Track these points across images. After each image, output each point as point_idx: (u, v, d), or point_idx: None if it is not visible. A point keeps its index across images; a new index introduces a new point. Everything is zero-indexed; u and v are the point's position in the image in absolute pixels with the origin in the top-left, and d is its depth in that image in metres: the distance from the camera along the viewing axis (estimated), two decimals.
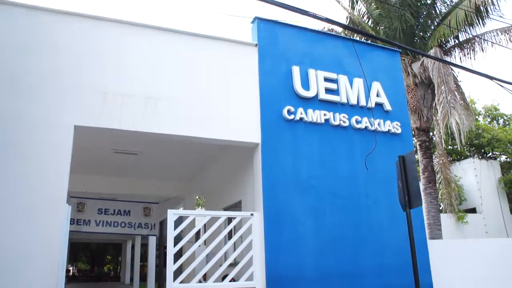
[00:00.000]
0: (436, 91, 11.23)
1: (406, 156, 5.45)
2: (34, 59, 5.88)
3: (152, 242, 19.80)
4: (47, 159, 5.59)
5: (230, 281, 6.34)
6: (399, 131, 7.88)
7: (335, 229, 6.83)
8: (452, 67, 11.88)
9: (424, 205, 11.85)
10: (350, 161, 7.31)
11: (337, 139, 7.29)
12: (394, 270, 7.06)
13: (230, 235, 7.30)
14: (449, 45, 13.63)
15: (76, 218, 12.37)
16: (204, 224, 6.81)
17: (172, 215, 6.11)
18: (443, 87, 10.86)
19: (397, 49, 8.79)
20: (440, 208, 15.95)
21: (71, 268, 44.15)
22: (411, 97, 12.53)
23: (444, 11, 13.43)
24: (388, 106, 7.90)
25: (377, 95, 7.88)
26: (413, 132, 12.25)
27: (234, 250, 6.77)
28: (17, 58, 5.81)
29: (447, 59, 12.88)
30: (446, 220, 16.91)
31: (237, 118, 6.74)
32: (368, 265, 6.94)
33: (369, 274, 6.90)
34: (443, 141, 13.62)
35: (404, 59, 12.32)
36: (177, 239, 6.12)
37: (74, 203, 11.74)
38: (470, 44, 13.11)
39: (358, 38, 12.08)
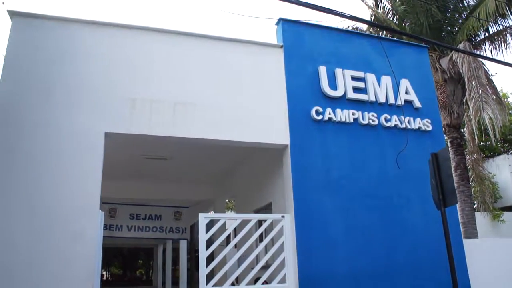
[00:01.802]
0: (466, 86, 10.95)
1: (439, 153, 5.32)
2: (65, 69, 6.02)
3: (183, 246, 19.98)
4: (80, 166, 5.70)
5: (263, 283, 6.32)
6: (430, 128, 7.72)
7: (367, 229, 6.73)
8: (483, 61, 11.57)
9: (457, 204, 11.56)
10: (380, 160, 7.20)
11: (366, 138, 7.20)
12: (429, 270, 6.92)
13: (261, 238, 7.28)
14: (478, 39, 13.26)
15: (109, 223, 12.58)
16: (235, 228, 6.82)
17: (203, 218, 6.14)
18: (473, 81, 10.58)
19: (425, 45, 8.62)
20: (474, 206, 15.54)
21: (104, 273, 44.95)
22: (441, 94, 12.25)
23: (473, 3, 13.05)
24: (417, 103, 7.75)
25: (406, 93, 7.75)
26: (443, 129, 11.97)
27: (266, 252, 6.75)
28: (50, 69, 5.97)
29: (477, 53, 12.54)
30: (481, 219, 16.39)
31: (265, 120, 6.73)
32: (401, 265, 6.81)
33: (403, 274, 6.77)
34: (476, 137, 13.28)
35: (432, 55, 12.05)
36: (208, 243, 6.14)
37: (106, 209, 11.94)
38: (501, 37, 12.70)
39: (384, 36, 11.91)
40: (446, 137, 12.50)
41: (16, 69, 5.87)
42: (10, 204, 5.32)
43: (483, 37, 13.18)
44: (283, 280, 6.23)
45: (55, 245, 5.34)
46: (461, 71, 11.20)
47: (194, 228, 18.58)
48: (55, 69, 5.98)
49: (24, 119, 5.66)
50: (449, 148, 12.47)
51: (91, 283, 5.35)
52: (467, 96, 11.13)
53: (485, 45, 13.17)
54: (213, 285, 6.05)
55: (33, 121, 5.68)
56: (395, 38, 10.45)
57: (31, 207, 5.37)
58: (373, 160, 7.15)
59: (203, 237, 6.05)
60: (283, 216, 6.45)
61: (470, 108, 10.87)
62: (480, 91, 10.39)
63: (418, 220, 7.17)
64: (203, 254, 5.97)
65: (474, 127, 11.36)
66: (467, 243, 7.56)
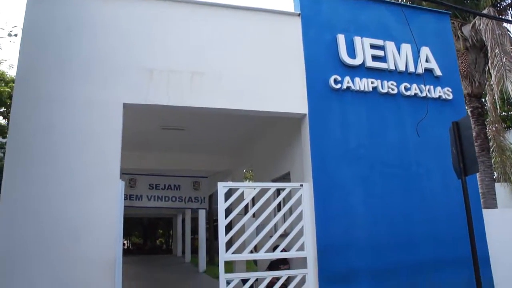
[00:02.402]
0: (489, 54, 10.67)
1: (461, 121, 5.24)
2: (81, 41, 6.03)
3: (202, 215, 20.37)
4: (100, 137, 5.77)
5: (281, 251, 6.41)
6: (451, 97, 7.58)
7: (385, 198, 6.73)
8: (508, 28, 11.21)
9: (477, 174, 11.44)
10: (399, 129, 7.13)
11: (385, 107, 7.11)
12: (447, 240, 6.91)
13: (279, 207, 7.35)
14: (504, 4, 12.82)
15: (129, 193, 12.83)
16: (253, 197, 6.89)
17: (222, 187, 6.21)
18: (497, 49, 10.30)
19: (446, 11, 8.37)
20: (494, 177, 15.35)
21: (125, 242, 46.11)
22: (462, 62, 11.97)
23: None
24: (438, 72, 7.60)
25: (427, 61, 7.59)
26: (464, 99, 11.76)
27: (284, 221, 6.83)
28: (66, 41, 5.98)
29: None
30: (501, 190, 16.23)
31: (283, 89, 6.68)
32: (420, 235, 6.82)
33: (422, 243, 6.79)
34: (497, 107, 13.01)
35: (453, 22, 11.72)
36: (227, 212, 6.23)
37: (126, 179, 12.14)
38: None
39: (404, 3, 11.59)
40: (466, 107, 12.28)
41: (34, 42, 5.90)
42: (31, 175, 5.44)
43: (509, 1, 12.74)
44: (301, 248, 6.31)
45: (78, 214, 5.48)
46: (484, 38, 10.90)
47: (212, 198, 18.90)
48: (72, 41, 6.00)
49: (43, 92, 5.71)
50: (470, 118, 12.26)
51: (113, 250, 5.49)
52: (489, 64, 10.87)
53: (511, 10, 12.75)
54: (232, 253, 6.18)
55: (52, 94, 5.73)
56: (415, 5, 10.13)
57: (52, 176, 5.49)
58: (392, 129, 7.08)
59: (222, 205, 6.13)
60: (301, 185, 6.48)
61: (493, 76, 10.62)
62: (504, 59, 10.12)
63: (437, 189, 7.13)
64: (222, 222, 6.06)
65: (496, 97, 11.13)
66: (486, 213, 7.51)
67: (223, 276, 5.91)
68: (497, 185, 14.43)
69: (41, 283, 5.19)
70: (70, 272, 5.30)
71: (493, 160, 14.80)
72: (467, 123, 5.18)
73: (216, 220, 6.31)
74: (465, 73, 11.93)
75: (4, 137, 14.63)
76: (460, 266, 6.77)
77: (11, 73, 17.61)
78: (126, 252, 36.32)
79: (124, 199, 6.14)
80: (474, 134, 12.04)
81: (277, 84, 6.67)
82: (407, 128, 7.16)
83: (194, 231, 27.01)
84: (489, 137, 14.20)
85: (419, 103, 7.30)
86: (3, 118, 15.52)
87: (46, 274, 5.22)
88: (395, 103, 7.20)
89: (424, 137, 7.13)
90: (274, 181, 8.74)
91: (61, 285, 5.24)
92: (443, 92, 7.52)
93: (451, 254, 6.86)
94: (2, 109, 15.17)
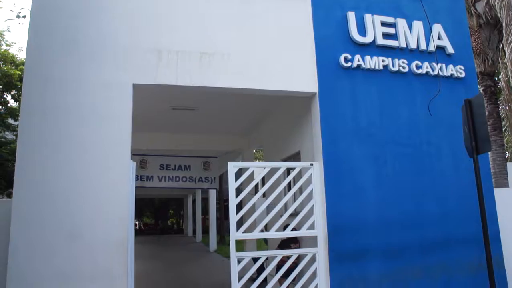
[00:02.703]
0: (504, 31, 10.45)
1: (473, 99, 5.17)
2: (89, 22, 5.99)
3: (213, 195, 20.55)
4: (110, 118, 5.78)
5: (291, 230, 6.45)
6: (463, 75, 7.47)
7: (396, 177, 6.71)
8: None
9: (489, 153, 11.35)
10: (410, 108, 7.05)
11: (396, 86, 7.03)
12: (458, 219, 6.90)
13: (289, 186, 7.37)
14: None
15: (140, 174, 12.96)
16: (263, 177, 6.90)
17: (232, 167, 6.24)
18: None
19: None
20: (506, 157, 15.21)
21: (137, 223, 46.73)
22: (475, 40, 11.78)
23: None
24: (450, 49, 7.47)
25: (439, 38, 7.46)
26: (477, 77, 11.58)
27: (294, 200, 6.85)
28: (74, 22, 5.94)
29: None
30: None
31: (293, 68, 6.62)
32: (430, 214, 6.81)
33: (432, 223, 6.78)
34: (511, 86, 12.82)
35: None
36: (237, 192, 6.25)
37: (137, 160, 12.25)
38: None
39: None
40: (479, 86, 12.11)
41: (42, 24, 5.87)
42: (43, 157, 5.48)
43: None
44: (311, 227, 6.35)
45: (90, 195, 5.54)
46: (498, 14, 10.68)
47: (222, 178, 19.02)
48: (80, 22, 5.96)
49: (53, 74, 5.70)
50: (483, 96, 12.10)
51: (125, 230, 5.56)
52: (503, 41, 10.66)
53: None
54: (243, 232, 6.23)
55: (61, 76, 5.72)
56: None
57: (64, 158, 5.54)
58: (403, 108, 7.01)
59: (232, 185, 6.16)
60: (311, 164, 6.48)
61: (507, 54, 10.43)
62: None
63: (448, 168, 7.09)
64: (233, 202, 6.10)
65: (510, 75, 10.95)
66: (498, 192, 7.47)
67: (234, 254, 5.97)
68: (508, 164, 14.29)
69: (54, 261, 5.29)
70: (83, 252, 5.39)
71: (505, 140, 14.66)
72: (480, 101, 5.11)
73: (227, 200, 6.36)
74: (478, 51, 11.74)
75: (16, 120, 14.75)
76: (470, 245, 6.79)
77: (21, 55, 17.68)
78: (137, 232, 36.84)
79: (135, 180, 6.19)
80: (486, 113, 11.89)
81: (287, 63, 6.61)
82: (418, 107, 7.09)
83: (205, 211, 27.30)
84: (502, 116, 14.04)
85: (430, 81, 7.20)
86: (14, 101, 15.62)
87: (59, 253, 5.31)
88: (406, 82, 7.11)
89: (435, 116, 7.06)
90: (284, 160, 8.73)
91: (74, 264, 5.33)
92: (455, 70, 7.41)
93: (461, 233, 6.86)
94: (13, 92, 15.25)
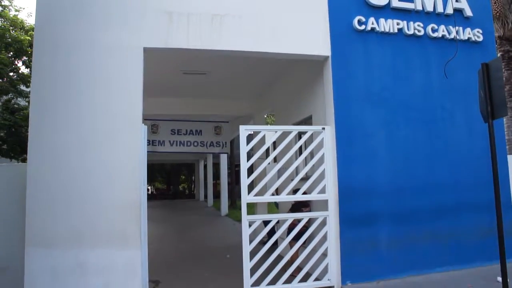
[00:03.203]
0: None
1: (491, 63, 5.03)
2: None
3: (224, 160, 20.68)
4: (121, 81, 5.77)
5: (302, 194, 6.49)
6: (481, 39, 7.28)
7: (408, 142, 6.67)
8: None
9: (504, 119, 11.17)
10: (425, 72, 6.93)
11: (411, 50, 6.88)
12: (470, 186, 6.90)
13: (300, 151, 7.37)
14: None
15: (151, 139, 13.03)
16: (274, 142, 6.89)
17: (244, 130, 6.23)
18: None
19: None
20: None
21: (149, 188, 47.35)
22: (495, 2, 11.38)
23: None
24: (468, 12, 7.26)
25: (456, 0, 7.24)
26: (495, 42, 11.27)
27: (305, 165, 6.86)
28: None
29: None
30: None
31: (305, 31, 6.48)
32: (442, 180, 6.80)
33: (443, 188, 6.78)
34: None
35: None
36: (248, 157, 6.27)
37: (148, 125, 12.27)
38: None
39: None
40: (497, 50, 11.80)
41: None
42: (56, 122, 5.53)
43: None
44: (322, 191, 6.37)
45: (103, 158, 5.60)
46: None
47: (234, 143, 19.05)
48: None
49: (63, 39, 5.67)
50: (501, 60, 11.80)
51: (138, 193, 5.64)
52: None
53: None
54: (254, 195, 6.29)
55: (72, 40, 5.69)
56: None
57: (76, 122, 5.58)
58: (418, 72, 6.89)
59: (244, 148, 6.17)
60: (323, 128, 6.44)
61: None
62: None
63: (461, 134, 7.03)
64: (244, 165, 6.13)
65: None
66: (511, 159, 7.41)
67: (245, 217, 6.05)
68: None
69: (69, 221, 5.41)
70: (97, 213, 5.50)
71: None
72: (497, 65, 4.98)
73: (238, 165, 6.40)
74: (497, 14, 11.36)
75: (27, 87, 14.80)
76: (480, 211, 6.82)
77: (30, 21, 17.56)
78: (150, 197, 37.42)
79: (148, 145, 6.22)
80: (503, 78, 11.64)
81: (299, 26, 6.47)
82: (432, 71, 6.96)
83: (216, 176, 27.54)
84: None
85: (446, 45, 7.04)
86: (26, 67, 15.63)
87: (73, 213, 5.43)
88: (421, 45, 6.96)
89: (450, 81, 6.95)
90: (295, 125, 8.68)
91: (88, 224, 5.46)
92: (473, 34, 7.23)
93: (472, 199, 6.87)
94: (24, 58, 15.23)
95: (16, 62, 15.41)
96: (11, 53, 14.84)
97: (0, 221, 5.71)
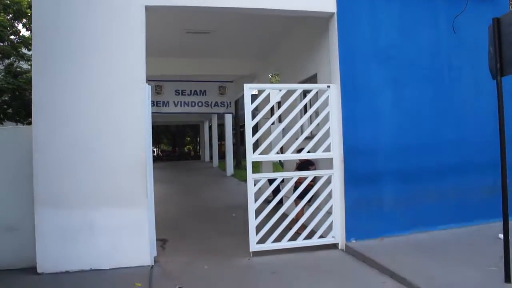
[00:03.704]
0: None
1: (502, 17, 4.86)
2: None
3: (229, 121, 20.67)
4: (123, 41, 5.69)
5: (307, 152, 6.49)
6: None
7: (414, 101, 6.60)
8: None
9: None
10: (433, 29, 6.76)
11: (419, 6, 6.67)
12: (475, 145, 6.87)
13: (305, 109, 7.31)
14: None
15: (156, 100, 12.97)
16: (278, 102, 6.83)
17: (248, 89, 6.17)
18: None
19: None
20: None
21: (155, 150, 47.63)
22: None
23: None
24: None
25: None
26: None
27: (310, 123, 6.82)
28: None
29: None
30: None
31: None
32: (448, 139, 6.77)
33: (449, 148, 6.77)
34: None
35: None
36: (253, 117, 6.24)
37: (152, 86, 12.16)
38: None
39: None
40: (510, 7, 11.47)
41: None
42: (58, 85, 5.50)
43: None
44: (328, 149, 6.37)
45: (107, 118, 5.60)
46: None
47: (238, 104, 18.95)
48: None
49: None
50: None
51: (143, 153, 5.66)
52: None
53: None
54: (259, 154, 6.30)
55: None
56: None
57: (79, 84, 5.55)
58: (425, 29, 6.72)
59: (248, 107, 6.13)
60: (328, 86, 6.36)
61: None
62: None
63: (468, 93, 6.95)
64: (249, 124, 6.10)
65: None
66: None
67: (250, 176, 6.08)
68: None
69: (76, 181, 5.48)
70: (103, 173, 5.55)
71: None
72: (509, 20, 4.81)
73: (242, 126, 6.37)
74: None
75: (29, 50, 14.62)
76: (485, 170, 6.81)
77: None
78: (155, 159, 37.63)
79: (152, 106, 6.18)
80: None
81: None
82: (440, 28, 6.80)
83: (221, 137, 27.62)
84: None
85: (455, 0, 6.82)
86: (26, 30, 15.38)
87: (80, 174, 5.49)
88: (430, 1, 6.75)
89: (459, 38, 6.79)
90: (300, 83, 8.59)
91: (95, 184, 5.52)
92: None
93: (478, 158, 6.86)
94: (24, 20, 14.97)
95: (16, 24, 15.16)
96: (10, 15, 14.57)
97: (9, 182, 5.77)
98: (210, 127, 29.24)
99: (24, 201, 5.63)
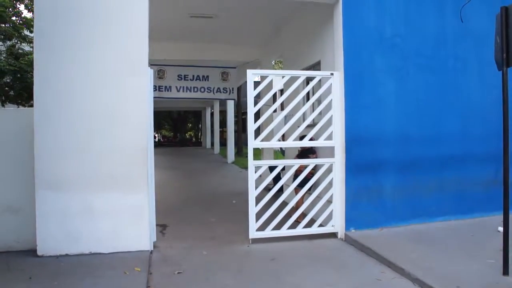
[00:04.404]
0: None
1: (511, 6, 4.80)
2: None
3: (231, 108, 20.61)
4: (125, 24, 5.62)
5: (310, 140, 6.46)
6: None
7: (418, 91, 6.54)
8: None
9: None
10: (439, 18, 6.68)
11: None
12: (478, 136, 6.86)
13: (308, 97, 7.27)
14: None
15: (158, 84, 12.92)
16: (281, 90, 6.78)
17: (251, 75, 6.12)
18: None
19: None
20: None
21: (156, 135, 47.63)
22: None
23: None
24: None
25: None
26: None
27: (312, 111, 6.78)
28: None
29: None
30: None
31: None
32: (451, 130, 6.75)
33: (452, 139, 6.74)
34: None
35: None
36: (255, 103, 6.20)
37: (154, 70, 12.13)
38: None
39: None
40: None
41: None
42: (60, 68, 5.44)
43: None
44: (329, 138, 6.33)
45: (109, 102, 5.56)
46: None
47: (240, 91, 18.87)
48: None
49: None
50: None
51: (144, 137, 5.63)
52: None
53: None
54: (261, 141, 6.27)
55: None
56: None
57: (81, 67, 5.49)
58: (431, 18, 6.64)
59: (251, 93, 6.08)
60: (332, 74, 6.30)
61: None
62: None
63: (473, 85, 6.90)
64: (251, 110, 6.06)
65: None
66: None
67: (251, 162, 6.06)
68: None
69: (78, 165, 5.46)
70: (104, 159, 5.53)
71: None
72: None
73: (244, 113, 6.35)
74: None
75: (31, 32, 14.51)
76: (487, 162, 6.81)
77: None
78: (157, 144, 37.71)
79: (154, 90, 6.13)
80: None
81: None
82: (446, 18, 6.72)
83: (223, 124, 27.58)
84: None
85: None
86: (28, 11, 15.25)
87: (81, 157, 5.47)
88: None
89: (465, 28, 6.72)
90: (303, 70, 8.53)
91: (96, 168, 5.50)
92: None
93: (480, 149, 6.85)
94: (26, 1, 14.84)
95: (18, 5, 15.03)
96: None
97: (11, 164, 5.76)
98: (212, 114, 29.19)
99: (24, 183, 5.62)
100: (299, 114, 6.38)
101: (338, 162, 6.28)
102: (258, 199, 6.11)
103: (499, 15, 4.77)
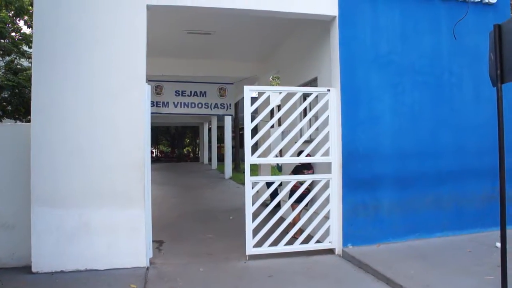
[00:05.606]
0: None
1: (504, 24, 4.85)
2: None
3: (228, 123, 20.65)
4: (123, 40, 5.67)
5: (306, 156, 6.47)
6: (494, 0, 7.04)
7: (414, 107, 6.59)
8: None
9: None
10: (434, 35, 6.76)
11: (420, 11, 6.67)
12: (473, 151, 6.88)
13: (305, 113, 7.30)
14: None
15: (155, 100, 12.94)
16: (278, 105, 6.82)
17: (248, 91, 6.15)
18: None
19: None
20: None
21: (153, 150, 47.56)
22: None
23: None
24: None
25: None
26: (510, 3, 10.93)
27: (309, 127, 6.80)
28: None
29: None
30: None
31: None
32: (447, 145, 6.77)
33: (448, 154, 6.76)
34: None
35: None
36: (253, 119, 6.22)
37: (152, 86, 12.18)
38: None
39: None
40: None
41: None
42: (58, 84, 5.48)
43: None
44: (326, 153, 6.35)
45: (106, 118, 5.58)
46: None
47: (238, 107, 18.90)
48: None
49: None
50: None
51: (141, 153, 5.63)
52: None
53: None
54: (258, 156, 6.27)
55: None
56: None
57: (79, 83, 5.53)
58: (426, 34, 6.72)
59: (248, 109, 6.11)
60: (328, 90, 6.34)
61: None
62: None
63: (468, 100, 6.95)
64: (248, 126, 6.09)
65: None
66: None
67: (248, 178, 6.06)
68: None
69: (74, 181, 5.45)
70: (101, 173, 5.53)
71: None
72: (511, 27, 4.81)
73: (242, 129, 6.36)
74: None
75: (30, 47, 14.59)
76: (484, 177, 6.83)
77: None
78: (154, 160, 37.63)
79: (151, 106, 6.16)
80: None
81: None
82: (442, 34, 6.80)
83: (220, 139, 27.59)
84: None
85: (457, 7, 6.82)
86: (28, 27, 15.36)
87: (78, 173, 5.46)
88: (431, 7, 6.76)
89: (460, 45, 6.80)
90: (300, 86, 8.57)
91: (93, 184, 5.50)
92: None
93: (476, 165, 6.87)
94: (25, 17, 14.95)
95: (17, 21, 15.14)
96: (12, 12, 14.55)
97: (7, 179, 5.74)
98: (209, 129, 29.22)
99: (20, 199, 5.60)
100: (296, 130, 6.40)
101: (335, 178, 6.28)
102: (255, 215, 6.09)
103: (492, 32, 4.83)
